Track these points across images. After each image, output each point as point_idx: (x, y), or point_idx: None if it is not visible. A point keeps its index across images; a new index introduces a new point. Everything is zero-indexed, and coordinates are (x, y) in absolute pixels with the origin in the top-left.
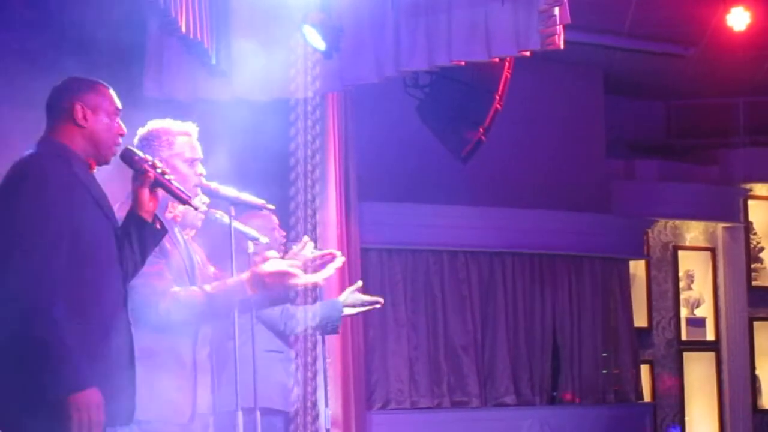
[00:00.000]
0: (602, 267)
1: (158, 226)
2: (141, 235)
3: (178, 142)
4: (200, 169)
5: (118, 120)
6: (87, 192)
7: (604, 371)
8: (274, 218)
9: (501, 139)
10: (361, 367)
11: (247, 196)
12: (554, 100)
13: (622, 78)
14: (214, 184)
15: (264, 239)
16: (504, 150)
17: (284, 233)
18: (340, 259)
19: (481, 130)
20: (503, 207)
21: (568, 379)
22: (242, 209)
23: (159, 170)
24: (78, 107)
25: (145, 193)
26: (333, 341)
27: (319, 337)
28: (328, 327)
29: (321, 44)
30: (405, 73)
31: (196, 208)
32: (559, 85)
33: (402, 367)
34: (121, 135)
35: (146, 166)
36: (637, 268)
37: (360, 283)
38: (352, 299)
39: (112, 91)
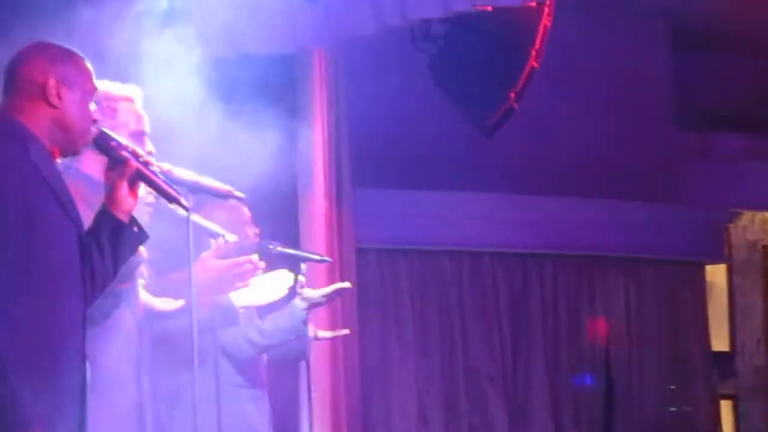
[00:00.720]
0: (669, 273)
1: (136, 229)
2: (115, 241)
3: (122, 109)
4: (149, 145)
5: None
6: (46, 186)
7: (672, 408)
8: (245, 210)
9: (537, 108)
10: (356, 403)
11: (210, 181)
12: (607, 58)
13: (696, 30)
14: (166, 166)
15: (231, 237)
16: (541, 121)
17: (257, 230)
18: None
19: (511, 95)
20: (540, 195)
21: (624, 418)
22: (203, 198)
23: (141, 159)
24: (52, 82)
25: (124, 187)
26: (319, 370)
27: (302, 365)
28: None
29: None
30: (412, 22)
31: (186, 209)
32: (614, 38)
33: (409, 404)
34: (95, 122)
35: (125, 153)
36: (716, 274)
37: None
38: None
39: (89, 65)
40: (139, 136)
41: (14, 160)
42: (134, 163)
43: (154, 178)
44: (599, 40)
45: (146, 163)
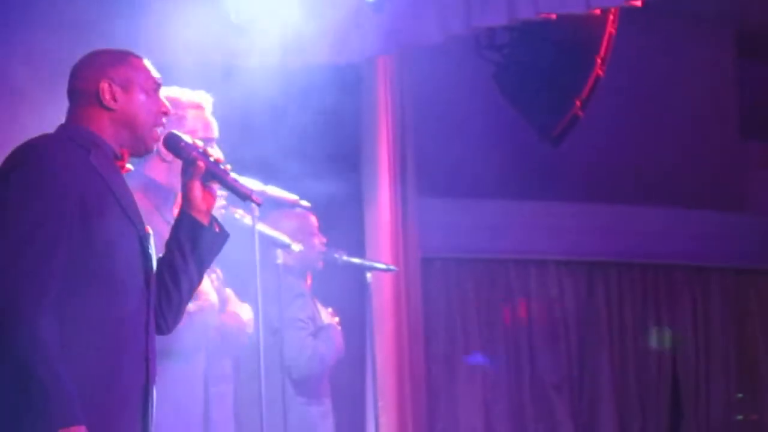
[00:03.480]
0: (736, 281)
1: (217, 229)
2: (196, 243)
3: (190, 116)
4: (217, 152)
5: (160, 97)
6: (106, 188)
7: (740, 417)
8: (312, 219)
9: (603, 116)
10: (422, 413)
11: (277, 191)
12: (671, 66)
13: (761, 36)
14: (233, 175)
15: (297, 246)
16: (607, 130)
17: (324, 239)
18: None
19: (577, 103)
20: (606, 203)
21: (692, 426)
22: (269, 207)
23: (212, 159)
24: (104, 86)
25: (197, 187)
26: (386, 381)
27: (368, 376)
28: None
29: None
30: (478, 31)
31: (258, 204)
32: (678, 46)
33: (475, 414)
34: (165, 114)
35: (196, 153)
36: None
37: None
38: None
39: (147, 62)
40: (207, 143)
41: (72, 162)
42: (204, 163)
43: (225, 176)
44: (664, 48)
45: (217, 162)
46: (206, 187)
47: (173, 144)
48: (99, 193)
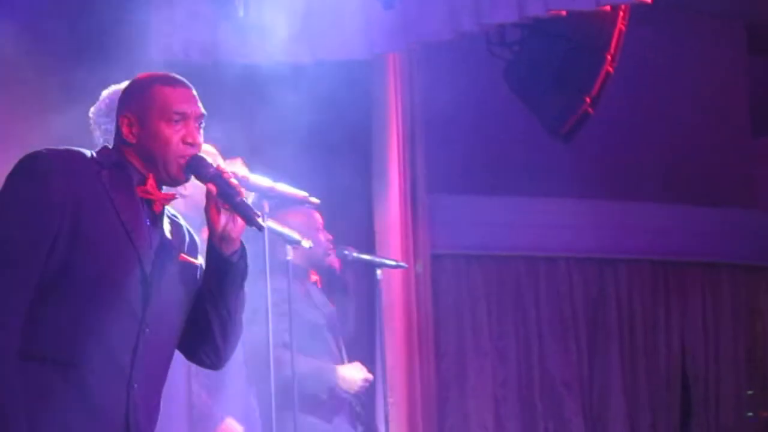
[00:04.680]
0: (746, 278)
1: (239, 261)
2: (216, 273)
3: None
4: (243, 169)
5: (188, 125)
6: (110, 206)
7: (750, 414)
8: (318, 216)
9: (613, 113)
10: (432, 409)
11: (285, 188)
12: (682, 63)
13: None
14: (243, 173)
15: (306, 243)
16: (617, 126)
17: (330, 236)
18: None
19: (587, 100)
20: (616, 200)
21: (702, 424)
22: (278, 204)
23: (227, 179)
24: (124, 120)
25: (213, 211)
26: (396, 377)
27: (378, 373)
28: None
29: None
30: (488, 28)
31: (260, 229)
32: (689, 42)
33: (485, 409)
34: (192, 144)
35: (212, 173)
36: None
37: None
38: None
39: (174, 88)
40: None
41: (73, 173)
42: (215, 185)
43: (233, 197)
44: (674, 44)
45: (230, 184)
46: (223, 212)
47: (193, 166)
48: (98, 209)
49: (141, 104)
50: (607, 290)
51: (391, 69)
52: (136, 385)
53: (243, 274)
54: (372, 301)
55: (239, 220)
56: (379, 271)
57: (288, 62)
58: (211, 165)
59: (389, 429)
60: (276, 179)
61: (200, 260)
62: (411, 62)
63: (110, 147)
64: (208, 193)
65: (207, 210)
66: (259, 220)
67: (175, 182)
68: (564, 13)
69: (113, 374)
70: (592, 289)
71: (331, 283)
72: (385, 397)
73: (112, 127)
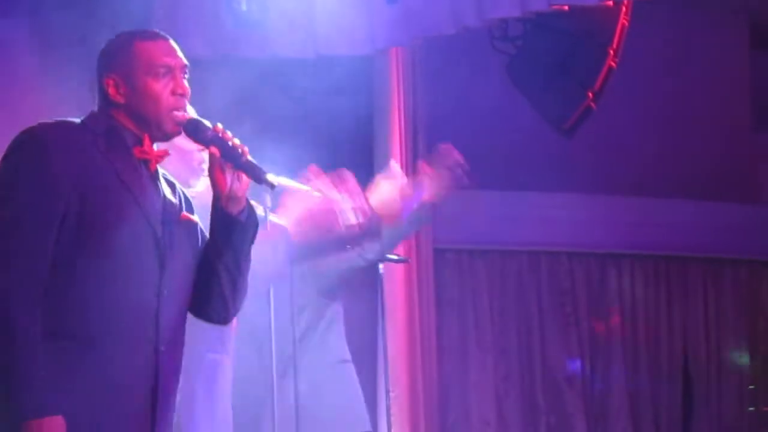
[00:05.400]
0: (749, 273)
1: (248, 220)
2: (227, 233)
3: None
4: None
5: (176, 77)
6: (113, 174)
7: (751, 409)
8: None
9: (615, 107)
10: (433, 404)
11: (287, 181)
12: (684, 57)
13: None
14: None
15: None
16: (619, 121)
17: None
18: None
19: (590, 95)
20: (618, 195)
21: (703, 418)
22: (280, 198)
23: (229, 141)
24: (108, 82)
25: (218, 173)
26: (398, 371)
27: (380, 367)
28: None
29: None
30: (490, 22)
31: (272, 187)
32: (691, 37)
33: (487, 404)
34: (182, 95)
35: (211, 135)
36: None
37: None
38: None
39: (157, 44)
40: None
41: (72, 147)
42: (217, 148)
43: (238, 158)
44: (676, 39)
45: (233, 145)
46: (228, 173)
47: (191, 129)
48: (101, 177)
49: (125, 63)
50: (610, 285)
51: (393, 63)
52: (162, 348)
53: (254, 231)
54: (374, 296)
55: (244, 178)
56: (381, 266)
57: (290, 56)
58: (209, 128)
59: (391, 423)
60: (278, 173)
61: (196, 217)
62: (414, 57)
63: (97, 112)
64: (212, 156)
65: (212, 173)
66: (269, 176)
67: (169, 137)
68: (566, 8)
69: (140, 343)
70: (594, 285)
71: None
72: (387, 392)
73: None
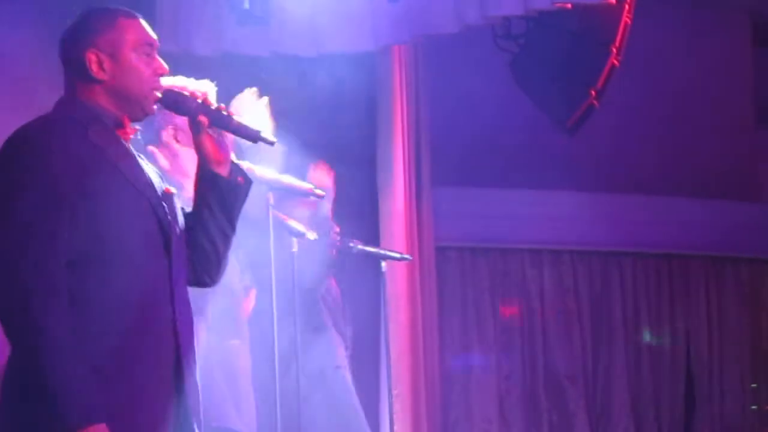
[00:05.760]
0: (750, 271)
1: (241, 180)
2: (222, 196)
3: None
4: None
5: (156, 57)
6: (108, 163)
7: (753, 407)
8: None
9: (618, 105)
10: (436, 402)
11: (291, 180)
12: (687, 55)
13: None
14: (246, 164)
15: (312, 235)
16: (622, 119)
17: (338, 228)
18: None
19: (592, 93)
20: (620, 193)
21: (705, 417)
22: (284, 196)
23: (213, 107)
24: (91, 57)
25: (207, 141)
26: (400, 370)
27: (382, 366)
28: None
29: None
30: (493, 20)
31: (271, 143)
32: (694, 35)
33: (489, 403)
34: (162, 74)
35: (196, 105)
36: None
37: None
38: None
39: (138, 22)
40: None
41: (69, 143)
42: (205, 115)
43: (229, 122)
44: (679, 37)
45: (219, 109)
46: (216, 138)
47: (170, 102)
48: (100, 170)
49: (110, 37)
50: (612, 283)
51: (396, 61)
52: (179, 328)
53: (247, 188)
54: (377, 294)
55: (226, 140)
56: (383, 264)
57: (293, 54)
58: (189, 97)
59: (393, 422)
60: (281, 171)
61: (174, 189)
62: (416, 54)
63: (70, 95)
64: (199, 124)
65: (200, 141)
66: (263, 133)
67: (146, 116)
68: (569, 6)
69: (163, 331)
70: (597, 283)
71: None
72: (389, 390)
73: None
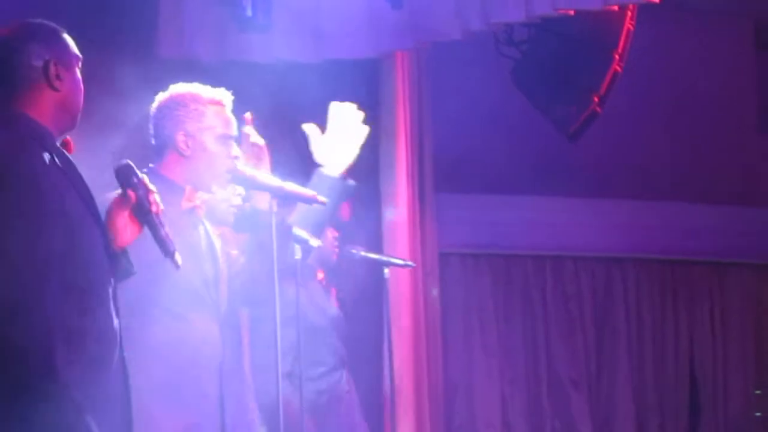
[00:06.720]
0: (754, 277)
1: (123, 264)
2: (114, 268)
3: (209, 112)
4: (235, 150)
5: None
6: (68, 182)
7: (758, 414)
8: None
9: (621, 112)
10: (439, 408)
11: (293, 186)
12: (690, 61)
13: None
14: (250, 171)
15: (315, 242)
16: (625, 125)
17: (336, 233)
18: None
19: (595, 99)
20: (623, 199)
21: (710, 423)
22: (286, 203)
23: (153, 206)
24: (52, 65)
25: (123, 218)
26: (403, 376)
27: (385, 371)
28: None
29: None
30: (495, 27)
31: (177, 267)
32: (697, 41)
33: (492, 408)
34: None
35: (138, 188)
36: None
37: None
38: None
39: (68, 36)
40: (225, 139)
41: (43, 168)
42: (136, 198)
43: (159, 227)
44: (682, 43)
45: (156, 211)
46: (132, 221)
47: (125, 176)
48: (67, 192)
49: (62, 50)
50: (615, 289)
51: (399, 68)
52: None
53: (127, 275)
54: (380, 300)
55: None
56: (386, 270)
57: (295, 61)
58: (141, 179)
59: (396, 428)
60: (283, 178)
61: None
62: (419, 61)
63: (13, 109)
64: (126, 200)
65: (116, 213)
66: (177, 256)
67: (68, 131)
68: (572, 12)
69: (119, 358)
70: (600, 289)
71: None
72: (392, 396)
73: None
